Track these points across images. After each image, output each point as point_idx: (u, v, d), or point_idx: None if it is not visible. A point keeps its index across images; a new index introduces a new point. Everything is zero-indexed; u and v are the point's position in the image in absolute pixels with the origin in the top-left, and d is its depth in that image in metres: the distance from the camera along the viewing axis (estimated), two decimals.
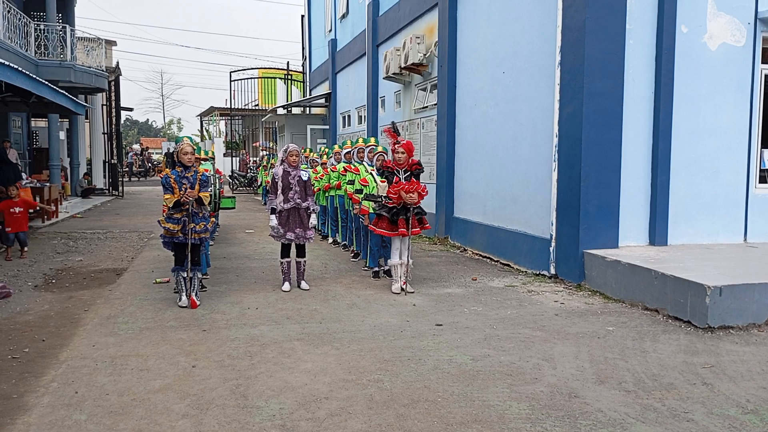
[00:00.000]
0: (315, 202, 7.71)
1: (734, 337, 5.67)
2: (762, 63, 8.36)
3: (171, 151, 7.01)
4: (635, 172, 7.95)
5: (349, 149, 10.35)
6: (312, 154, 13.86)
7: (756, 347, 5.38)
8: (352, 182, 9.36)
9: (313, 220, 7.59)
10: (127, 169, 37.84)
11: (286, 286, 7.52)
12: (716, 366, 4.87)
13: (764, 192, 8.53)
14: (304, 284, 7.59)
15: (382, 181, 8.20)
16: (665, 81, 7.84)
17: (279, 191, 7.42)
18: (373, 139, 9.83)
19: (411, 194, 7.21)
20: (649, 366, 4.85)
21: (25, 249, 10.04)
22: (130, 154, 44.95)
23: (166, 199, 6.54)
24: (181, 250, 6.66)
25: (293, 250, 7.66)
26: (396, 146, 7.48)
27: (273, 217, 7.46)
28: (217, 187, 8.49)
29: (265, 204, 21.07)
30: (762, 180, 8.58)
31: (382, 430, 3.68)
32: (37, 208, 12.33)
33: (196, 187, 6.58)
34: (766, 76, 8.45)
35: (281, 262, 7.63)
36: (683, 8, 7.86)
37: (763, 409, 4.03)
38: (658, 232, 7.98)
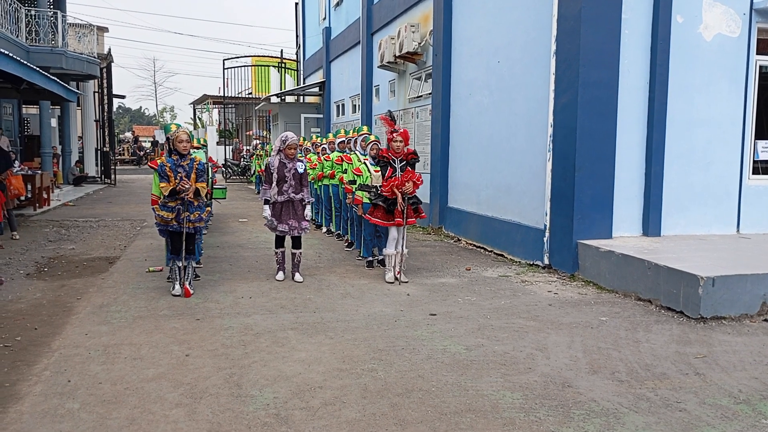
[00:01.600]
0: (309, 193, 7.59)
1: (726, 327, 5.70)
2: (757, 54, 8.35)
3: (157, 139, 6.99)
4: (629, 162, 7.96)
5: (343, 138, 10.32)
6: (306, 142, 13.80)
7: (748, 337, 5.41)
8: (347, 171, 9.31)
9: (308, 211, 7.47)
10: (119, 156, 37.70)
11: (280, 275, 7.49)
12: (708, 356, 4.90)
13: (757, 183, 8.56)
14: (297, 276, 7.46)
15: (375, 171, 8.17)
16: (660, 71, 7.83)
17: (273, 183, 7.31)
18: (365, 128, 9.79)
19: (405, 186, 7.19)
20: (641, 356, 4.87)
21: None
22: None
23: (162, 187, 6.47)
24: (176, 238, 6.62)
25: (288, 241, 7.61)
26: (393, 134, 7.42)
27: (266, 207, 7.33)
28: (210, 175, 8.44)
29: (258, 193, 21.03)
30: (755, 171, 8.60)
31: (376, 420, 3.68)
32: (21, 198, 12.31)
33: (192, 177, 6.52)
34: (760, 67, 8.45)
35: (276, 252, 7.58)
36: None
37: (754, 399, 4.05)
38: (651, 223, 8.00)
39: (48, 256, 9.01)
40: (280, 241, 7.54)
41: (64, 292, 6.82)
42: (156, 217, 6.61)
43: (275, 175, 7.29)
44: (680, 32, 7.93)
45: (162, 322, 5.64)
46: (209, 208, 7.19)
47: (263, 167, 19.85)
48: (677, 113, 8.03)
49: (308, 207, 7.49)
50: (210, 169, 8.79)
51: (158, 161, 6.70)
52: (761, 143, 8.62)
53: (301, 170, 7.38)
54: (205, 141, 11.04)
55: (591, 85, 7.60)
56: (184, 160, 6.55)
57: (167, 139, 6.73)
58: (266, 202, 7.35)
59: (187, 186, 6.42)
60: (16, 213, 11.24)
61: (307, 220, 7.48)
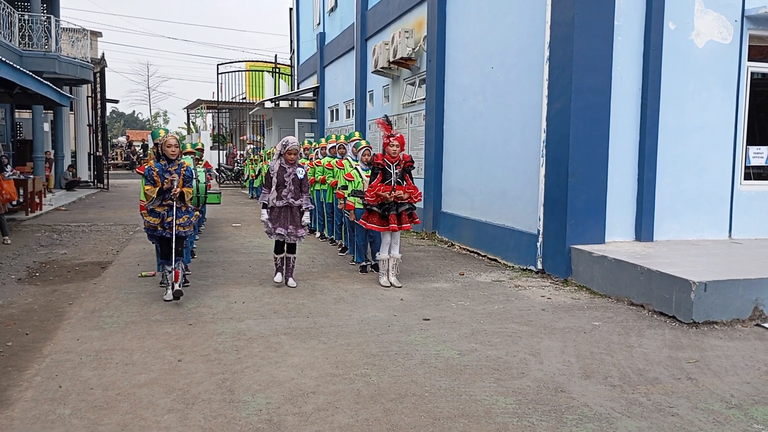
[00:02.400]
0: (309, 200, 7.48)
1: (718, 332, 5.72)
2: (748, 60, 8.42)
3: (146, 143, 6.98)
4: (622, 168, 7.99)
5: (334, 143, 10.33)
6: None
7: (740, 342, 5.43)
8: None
9: (306, 218, 7.35)
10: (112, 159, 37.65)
11: (278, 277, 7.39)
12: (701, 361, 4.91)
13: (749, 189, 8.61)
14: (291, 281, 7.44)
15: (367, 176, 8.16)
16: (653, 78, 7.88)
17: (273, 187, 7.23)
18: (357, 134, 9.79)
19: (396, 192, 7.23)
20: (634, 361, 4.88)
21: None
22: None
23: (148, 189, 6.45)
24: (164, 243, 6.61)
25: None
26: (390, 139, 7.41)
27: (264, 211, 7.26)
28: (203, 181, 8.40)
29: (252, 197, 21.02)
30: (747, 177, 8.65)
31: (369, 425, 3.67)
32: (13, 203, 12.29)
33: (179, 181, 6.51)
34: (752, 73, 8.51)
35: (275, 258, 7.46)
36: (671, 5, 7.90)
37: (746, 404, 4.07)
38: (644, 228, 8.03)
39: (40, 260, 8.96)
40: (279, 247, 7.43)
41: (56, 297, 6.79)
42: (144, 222, 6.62)
43: (275, 180, 7.21)
44: (672, 39, 7.98)
45: (154, 327, 5.62)
46: (198, 213, 7.16)
47: (256, 172, 19.76)
48: (670, 119, 8.08)
49: (306, 214, 7.37)
50: (205, 174, 8.74)
51: (145, 166, 6.70)
52: (753, 149, 8.68)
53: (300, 176, 7.30)
54: (201, 145, 10.98)
55: (584, 91, 7.63)
56: (172, 166, 6.55)
57: (156, 144, 6.72)
58: (264, 206, 7.31)
59: (174, 183, 6.41)
60: (7, 218, 11.19)
61: (304, 228, 7.40)
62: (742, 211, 8.54)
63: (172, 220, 6.47)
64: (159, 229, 6.49)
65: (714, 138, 8.34)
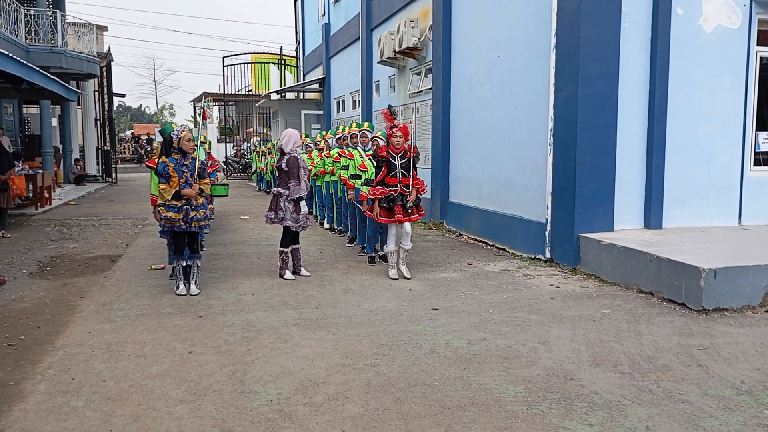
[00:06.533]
0: (307, 186, 7.64)
1: (728, 319, 5.70)
2: (757, 45, 8.33)
3: (151, 137, 6.95)
4: (630, 155, 7.95)
5: (340, 135, 10.32)
6: (306, 139, 13.79)
7: (750, 329, 5.41)
8: (346, 167, 9.31)
9: (305, 206, 7.49)
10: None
11: (288, 274, 7.39)
12: (711, 348, 4.90)
13: (759, 175, 8.54)
14: (304, 271, 7.53)
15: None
16: (660, 64, 7.82)
17: (300, 178, 7.35)
18: (366, 124, 9.78)
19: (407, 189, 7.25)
20: (644, 348, 4.87)
21: None
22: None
23: (163, 189, 6.39)
24: (180, 238, 6.58)
25: None
26: (393, 130, 7.39)
27: (303, 204, 7.41)
28: (203, 157, 8.40)
29: (260, 190, 21.07)
30: (757, 163, 8.59)
31: (380, 414, 3.69)
32: (22, 198, 12.38)
33: (195, 177, 6.50)
34: (761, 58, 8.43)
35: (283, 251, 7.46)
36: None
37: (757, 390, 4.06)
38: (653, 216, 8.00)
39: (50, 255, 9.03)
40: (289, 238, 7.48)
41: (67, 291, 6.84)
42: (163, 219, 6.45)
43: (295, 172, 7.35)
44: (680, 24, 7.91)
45: (165, 320, 5.65)
46: (212, 206, 7.17)
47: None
48: (678, 106, 8.02)
49: (303, 201, 7.50)
50: (206, 168, 8.74)
51: (156, 160, 6.67)
52: (762, 135, 8.61)
53: (305, 164, 7.49)
54: (204, 138, 10.96)
55: (591, 78, 7.58)
56: (187, 159, 6.52)
57: (171, 138, 6.66)
58: (300, 198, 7.38)
59: (195, 195, 6.43)
60: (17, 213, 11.27)
61: (309, 214, 7.51)
62: (751, 197, 8.49)
63: (195, 215, 6.46)
64: (182, 224, 6.43)
65: (723, 124, 8.27)
